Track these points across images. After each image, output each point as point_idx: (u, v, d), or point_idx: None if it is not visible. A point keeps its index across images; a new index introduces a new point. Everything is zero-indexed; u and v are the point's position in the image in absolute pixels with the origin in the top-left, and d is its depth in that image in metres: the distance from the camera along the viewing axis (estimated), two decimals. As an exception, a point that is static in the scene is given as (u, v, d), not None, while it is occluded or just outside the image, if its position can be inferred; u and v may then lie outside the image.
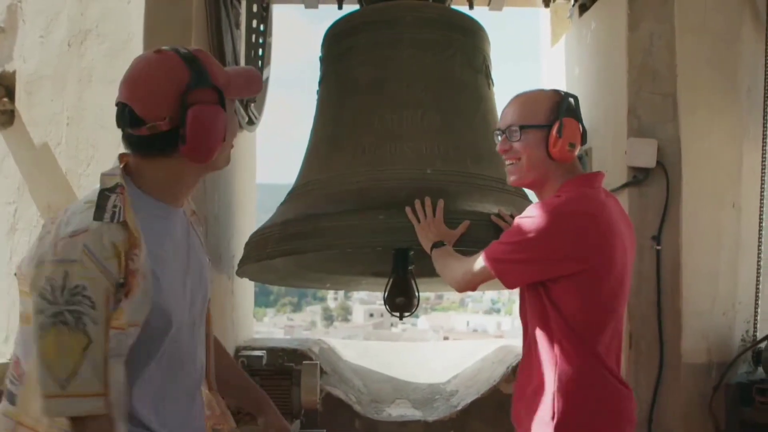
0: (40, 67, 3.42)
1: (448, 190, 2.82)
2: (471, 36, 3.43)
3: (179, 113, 1.58)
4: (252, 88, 1.79)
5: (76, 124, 3.31)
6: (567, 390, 2.00)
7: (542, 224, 2.01)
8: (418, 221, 2.55)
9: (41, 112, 3.39)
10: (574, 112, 2.15)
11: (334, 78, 3.44)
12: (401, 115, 3.21)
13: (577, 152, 2.13)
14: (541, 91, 2.22)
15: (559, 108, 2.13)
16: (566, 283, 2.02)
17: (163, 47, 1.65)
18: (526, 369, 2.17)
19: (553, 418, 2.00)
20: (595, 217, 2.02)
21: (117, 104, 1.68)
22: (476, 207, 2.76)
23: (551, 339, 2.05)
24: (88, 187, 3.24)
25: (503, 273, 2.09)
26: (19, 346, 1.61)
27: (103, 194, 1.56)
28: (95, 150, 3.26)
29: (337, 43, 3.49)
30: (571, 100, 2.16)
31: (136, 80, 1.63)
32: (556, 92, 2.20)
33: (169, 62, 1.61)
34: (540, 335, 2.08)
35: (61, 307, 1.44)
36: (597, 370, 2.03)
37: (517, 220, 2.11)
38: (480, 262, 2.15)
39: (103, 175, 1.63)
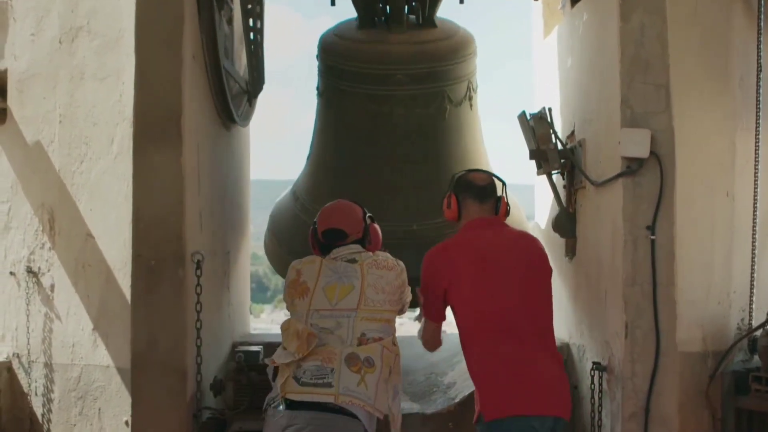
0: (31, 65, 3.42)
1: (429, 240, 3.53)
2: (457, 71, 3.85)
3: (365, 228, 2.91)
4: None
5: (68, 121, 3.31)
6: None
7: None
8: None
9: (33, 110, 3.39)
10: (450, 187, 3.07)
11: (333, 108, 4.01)
12: (393, 170, 3.92)
13: (449, 213, 3.04)
14: None
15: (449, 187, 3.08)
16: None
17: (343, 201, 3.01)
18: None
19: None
20: (437, 255, 2.97)
21: (326, 230, 2.89)
22: None
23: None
24: (82, 184, 3.26)
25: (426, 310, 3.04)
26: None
27: None
28: (88, 147, 3.26)
29: (333, 70, 3.86)
30: (453, 176, 3.10)
31: (345, 213, 2.92)
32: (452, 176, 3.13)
33: (352, 204, 2.97)
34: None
35: None
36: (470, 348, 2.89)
37: None
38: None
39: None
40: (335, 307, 2.76)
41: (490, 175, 3.15)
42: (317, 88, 3.98)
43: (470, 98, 3.93)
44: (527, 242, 3.04)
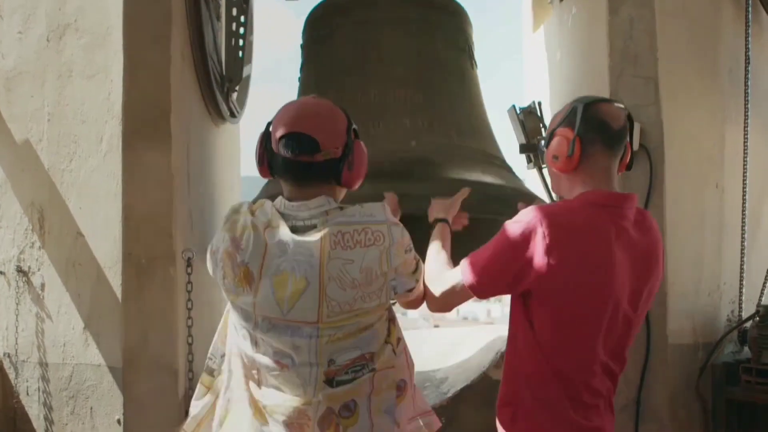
0: (19, 63, 3.39)
1: (434, 160, 2.82)
2: (451, 16, 3.46)
3: (346, 144, 1.92)
4: None
5: (57, 119, 3.29)
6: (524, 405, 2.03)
7: (508, 232, 1.97)
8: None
9: (21, 109, 3.36)
10: (570, 121, 2.05)
11: (315, 61, 3.47)
12: (384, 93, 3.23)
13: (567, 163, 2.02)
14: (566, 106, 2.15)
15: (560, 121, 2.10)
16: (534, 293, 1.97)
17: (314, 96, 2.04)
18: (506, 360, 2.15)
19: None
20: (555, 238, 1.90)
21: (289, 135, 1.90)
22: (465, 176, 2.75)
23: (517, 344, 2.06)
24: (71, 183, 3.23)
25: (471, 281, 2.02)
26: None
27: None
28: (77, 146, 3.24)
29: (318, 27, 3.50)
30: (578, 106, 2.05)
31: (321, 116, 1.93)
32: (571, 103, 2.11)
33: (333, 105, 1.97)
34: (511, 339, 2.09)
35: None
36: (557, 396, 1.99)
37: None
38: (457, 267, 2.09)
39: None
40: (287, 318, 1.84)
41: (624, 110, 2.10)
42: (300, 69, 3.67)
43: (471, 56, 3.48)
44: (659, 250, 2.12)
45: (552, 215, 1.93)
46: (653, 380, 3.21)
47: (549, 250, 1.89)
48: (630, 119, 2.09)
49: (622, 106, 2.10)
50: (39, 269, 3.33)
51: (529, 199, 2.61)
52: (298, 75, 3.62)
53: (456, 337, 4.79)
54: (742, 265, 3.36)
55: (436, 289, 2.10)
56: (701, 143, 3.33)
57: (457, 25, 3.45)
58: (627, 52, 3.26)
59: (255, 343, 1.92)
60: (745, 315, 3.33)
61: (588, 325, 1.97)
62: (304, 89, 3.42)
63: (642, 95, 3.25)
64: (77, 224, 3.23)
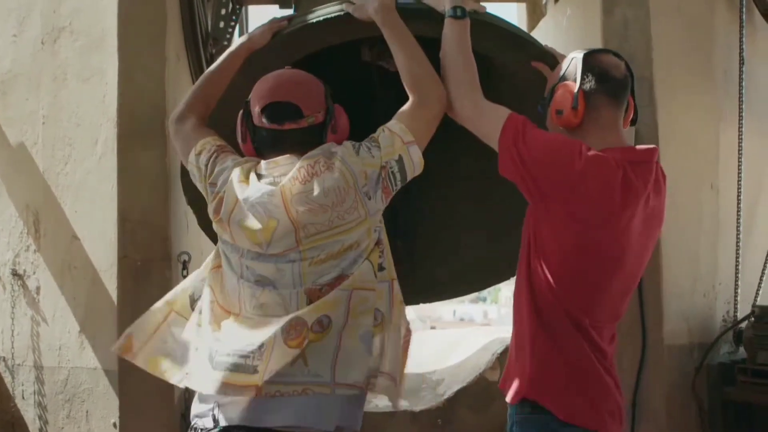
0: (14, 66, 3.39)
1: None
2: None
3: (327, 109, 1.97)
4: None
5: (52, 122, 3.28)
6: (539, 349, 1.98)
7: (571, 146, 1.91)
8: None
9: (17, 112, 3.36)
10: (571, 74, 2.00)
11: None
12: None
13: (571, 117, 1.96)
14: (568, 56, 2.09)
15: (559, 75, 2.05)
16: (548, 227, 1.95)
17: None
18: (513, 338, 2.11)
19: (525, 383, 1.99)
20: (616, 175, 1.88)
21: (271, 104, 1.94)
22: None
23: (531, 295, 2.00)
24: (67, 186, 3.23)
25: (511, 138, 1.92)
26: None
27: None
28: (72, 148, 3.24)
29: None
30: (577, 57, 2.01)
31: (298, 84, 1.98)
32: (570, 57, 2.07)
33: (308, 73, 2.02)
34: (523, 293, 2.03)
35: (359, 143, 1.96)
36: (580, 347, 1.96)
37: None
38: (501, 110, 2.00)
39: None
40: (269, 252, 1.89)
41: (623, 60, 2.08)
42: None
43: None
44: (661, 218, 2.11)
45: (594, 158, 1.89)
46: (649, 381, 3.21)
47: (588, 179, 1.88)
48: (630, 70, 2.05)
49: (620, 55, 2.08)
50: (34, 272, 3.32)
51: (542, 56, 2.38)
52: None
53: (452, 339, 4.78)
54: (737, 265, 3.36)
55: (469, 105, 2.03)
56: (696, 144, 3.34)
57: None
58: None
59: (242, 271, 1.95)
60: (740, 315, 3.33)
61: (590, 275, 1.96)
62: None
63: (637, 96, 3.21)
64: (72, 227, 3.23)
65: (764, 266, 3.42)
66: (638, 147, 2.05)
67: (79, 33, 3.25)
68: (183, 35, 3.30)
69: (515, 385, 2.02)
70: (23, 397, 3.33)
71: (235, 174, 1.94)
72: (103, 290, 3.14)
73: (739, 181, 3.36)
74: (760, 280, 3.40)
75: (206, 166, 2.02)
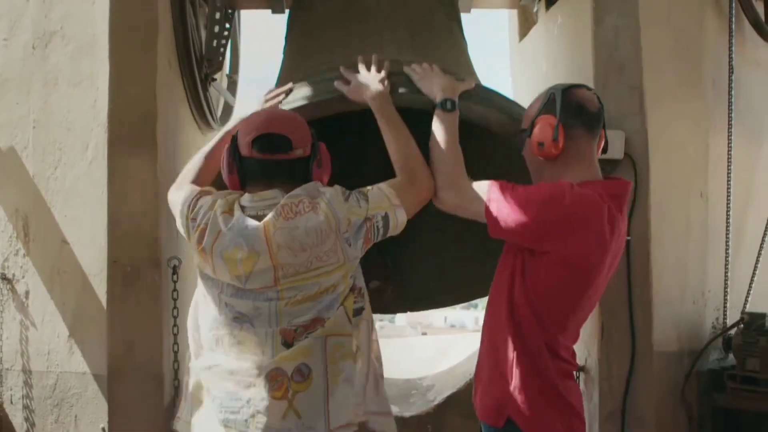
0: (4, 71, 3.38)
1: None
2: None
3: (313, 144, 2.08)
4: None
5: (42, 127, 3.28)
6: (519, 373, 2.09)
7: (549, 195, 2.05)
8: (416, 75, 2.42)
9: (7, 116, 3.35)
10: (550, 108, 2.14)
11: (299, 27, 3.26)
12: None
13: (552, 149, 2.10)
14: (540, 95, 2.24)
15: (539, 108, 2.18)
16: (540, 263, 2.05)
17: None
18: (484, 351, 2.24)
19: (503, 398, 2.11)
20: (593, 210, 2.03)
21: (264, 135, 2.03)
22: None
23: (512, 322, 2.10)
24: (57, 190, 3.22)
25: (496, 210, 2.07)
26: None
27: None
28: (62, 153, 3.23)
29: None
30: (556, 93, 2.16)
31: (288, 119, 2.11)
32: (546, 91, 2.21)
33: (296, 113, 2.20)
34: (503, 317, 2.13)
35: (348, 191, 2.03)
36: (557, 371, 2.12)
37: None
38: (483, 185, 2.12)
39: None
40: (246, 287, 1.94)
41: (595, 93, 2.28)
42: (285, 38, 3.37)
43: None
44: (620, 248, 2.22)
45: (583, 196, 2.03)
46: (639, 388, 3.22)
47: (578, 225, 2.02)
48: (601, 103, 2.22)
49: (593, 89, 2.28)
50: (23, 277, 3.31)
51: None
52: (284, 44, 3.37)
53: (443, 345, 4.79)
54: (726, 272, 3.38)
55: (453, 194, 2.18)
56: (686, 152, 3.35)
57: None
58: (612, 62, 3.28)
59: (220, 307, 2.01)
60: (729, 322, 3.34)
61: (574, 306, 2.12)
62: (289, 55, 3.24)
63: (627, 104, 3.26)
64: (62, 232, 3.22)
65: (753, 273, 3.44)
66: (616, 180, 2.24)
67: (70, 38, 3.24)
68: (175, 41, 3.30)
69: (495, 406, 2.13)
70: (11, 402, 3.31)
71: (219, 205, 2.00)
72: (92, 295, 3.13)
73: (728, 189, 3.38)
74: (749, 287, 3.41)
75: (188, 206, 2.08)
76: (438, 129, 2.24)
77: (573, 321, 2.18)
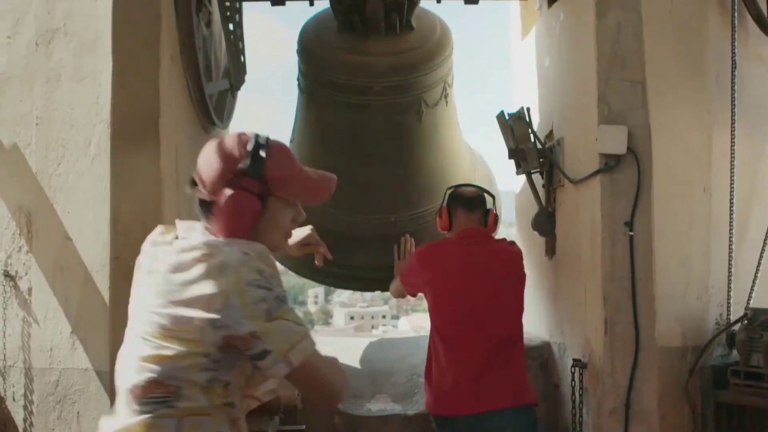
0: (7, 68, 3.38)
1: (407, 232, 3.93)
2: (434, 77, 4.08)
3: (219, 190, 1.74)
4: (318, 196, 1.91)
5: (45, 124, 3.28)
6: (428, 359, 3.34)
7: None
8: (398, 258, 3.85)
9: (10, 113, 3.35)
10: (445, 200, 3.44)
11: (313, 109, 4.14)
12: (371, 170, 4.09)
13: (442, 223, 3.41)
14: None
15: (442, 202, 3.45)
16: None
17: (247, 133, 1.80)
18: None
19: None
20: (426, 251, 3.37)
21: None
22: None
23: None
24: (59, 187, 3.22)
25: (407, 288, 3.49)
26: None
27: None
28: (65, 150, 3.24)
29: (313, 74, 4.09)
30: (446, 192, 3.45)
31: (203, 154, 1.80)
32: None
33: (233, 145, 1.76)
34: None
35: (278, 291, 1.67)
36: (440, 352, 3.22)
37: None
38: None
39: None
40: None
41: (480, 188, 3.47)
42: (298, 81, 4.15)
43: (446, 96, 4.14)
44: (507, 256, 3.32)
45: (430, 248, 3.39)
46: (642, 384, 3.22)
47: (425, 268, 3.32)
48: (489, 194, 3.50)
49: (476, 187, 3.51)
50: (26, 273, 3.31)
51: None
52: (297, 83, 4.24)
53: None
54: (730, 268, 3.36)
55: (393, 289, 3.69)
56: (689, 147, 3.34)
57: (437, 75, 4.10)
58: (614, 56, 3.28)
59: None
60: (733, 318, 3.33)
61: (449, 312, 3.23)
62: (303, 138, 4.36)
63: (630, 99, 3.26)
64: (65, 228, 3.22)
65: (757, 269, 3.42)
66: (472, 229, 3.34)
67: (73, 35, 3.25)
68: (178, 38, 3.30)
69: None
70: (14, 399, 3.31)
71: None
72: (95, 291, 3.13)
73: (731, 183, 3.36)
74: (753, 282, 3.39)
75: None
76: (392, 285, 3.68)
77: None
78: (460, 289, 3.19)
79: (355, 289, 5.00)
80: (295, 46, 4.15)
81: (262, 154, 1.75)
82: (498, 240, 3.45)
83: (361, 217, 4.07)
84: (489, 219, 3.37)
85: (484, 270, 3.23)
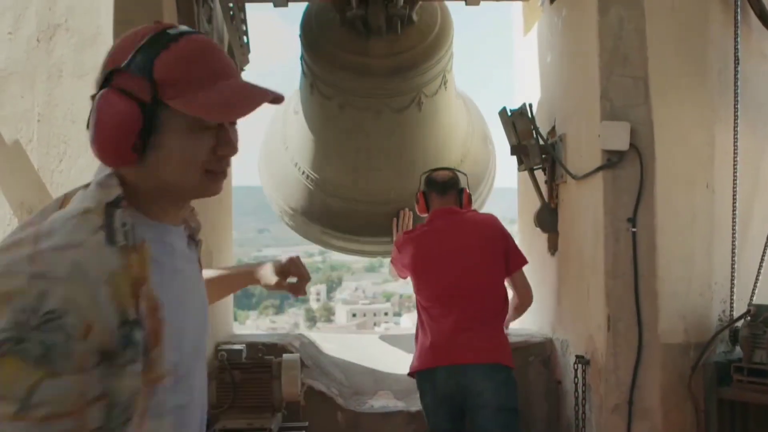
0: (9, 64, 3.38)
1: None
2: (435, 70, 4.16)
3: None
4: (231, 111, 1.29)
5: (47, 120, 3.28)
6: (416, 331, 3.51)
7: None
8: (396, 231, 4.36)
9: (11, 109, 3.35)
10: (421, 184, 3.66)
11: (316, 97, 4.27)
12: (375, 159, 4.42)
13: (420, 208, 3.66)
14: None
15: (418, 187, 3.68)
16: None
17: (164, 23, 1.26)
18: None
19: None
20: (406, 237, 3.60)
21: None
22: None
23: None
24: (61, 183, 3.21)
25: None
26: None
27: (109, 209, 1.17)
28: (67, 146, 3.23)
29: (315, 67, 4.17)
30: (421, 176, 3.67)
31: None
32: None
33: (130, 36, 1.23)
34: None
35: (26, 334, 1.03)
36: (424, 323, 3.42)
37: None
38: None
39: (98, 184, 1.23)
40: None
41: (451, 170, 3.65)
42: (301, 61, 4.32)
43: (445, 83, 4.26)
44: (477, 220, 3.52)
45: (405, 235, 3.65)
46: (645, 380, 3.21)
47: (403, 254, 3.57)
48: (462, 173, 3.67)
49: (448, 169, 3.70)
50: (28, 270, 3.31)
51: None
52: (300, 69, 4.36)
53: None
54: (732, 264, 3.36)
55: (390, 271, 3.95)
56: (691, 143, 3.34)
57: (440, 67, 4.18)
58: (617, 52, 3.27)
59: None
60: (736, 314, 3.32)
61: (428, 288, 3.44)
62: (310, 121, 4.58)
63: (632, 95, 3.26)
64: (67, 225, 3.21)
65: (760, 265, 3.42)
66: (443, 209, 3.53)
67: (74, 30, 3.25)
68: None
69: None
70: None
71: None
72: (96, 288, 3.12)
73: (734, 180, 3.36)
74: (756, 279, 3.38)
75: None
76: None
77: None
78: (436, 267, 3.39)
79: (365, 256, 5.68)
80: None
81: (160, 46, 1.19)
82: (468, 211, 3.60)
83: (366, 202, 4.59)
84: (463, 198, 3.55)
85: (456, 241, 3.40)
